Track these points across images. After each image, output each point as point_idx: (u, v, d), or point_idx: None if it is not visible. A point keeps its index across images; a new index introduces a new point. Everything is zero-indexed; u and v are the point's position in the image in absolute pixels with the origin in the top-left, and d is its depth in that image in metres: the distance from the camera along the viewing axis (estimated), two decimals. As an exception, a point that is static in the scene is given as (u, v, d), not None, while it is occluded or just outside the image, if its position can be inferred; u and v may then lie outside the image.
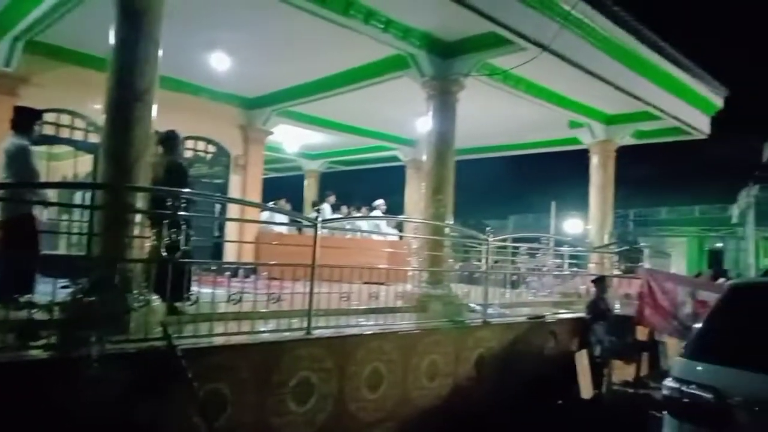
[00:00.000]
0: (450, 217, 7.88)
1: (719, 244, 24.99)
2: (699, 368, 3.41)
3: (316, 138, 14.10)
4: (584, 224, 14.38)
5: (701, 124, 11.20)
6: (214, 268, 5.81)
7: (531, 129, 12.34)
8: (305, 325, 4.97)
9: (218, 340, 4.43)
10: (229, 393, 4.26)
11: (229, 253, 10.34)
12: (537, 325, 7.58)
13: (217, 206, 10.86)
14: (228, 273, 5.36)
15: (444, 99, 7.83)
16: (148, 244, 4.54)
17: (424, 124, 8.14)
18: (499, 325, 7.00)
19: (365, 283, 5.90)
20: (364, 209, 12.80)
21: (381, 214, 12.55)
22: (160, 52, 4.79)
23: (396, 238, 11.96)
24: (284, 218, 11.22)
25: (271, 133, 12.08)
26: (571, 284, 10.14)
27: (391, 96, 9.92)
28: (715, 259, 24.10)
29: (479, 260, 7.52)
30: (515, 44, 6.92)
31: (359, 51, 8.09)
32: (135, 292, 4.33)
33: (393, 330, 5.68)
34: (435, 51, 7.66)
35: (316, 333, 5.02)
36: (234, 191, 11.57)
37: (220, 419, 4.17)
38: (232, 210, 10.63)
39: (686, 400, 3.34)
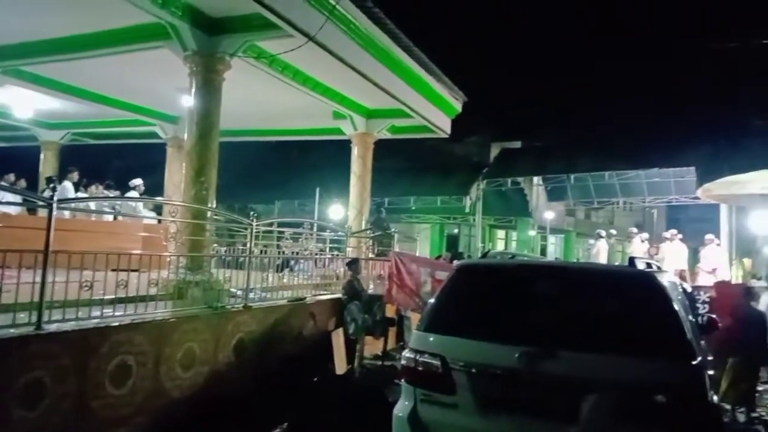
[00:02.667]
0: (213, 200, 7.63)
1: (456, 230, 28.79)
2: (431, 339, 3.89)
3: (55, 104, 12.28)
4: (345, 210, 15.18)
5: (444, 125, 12.69)
6: None
7: (297, 116, 12.54)
8: (35, 319, 4.36)
9: None
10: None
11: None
12: (297, 307, 7.81)
13: None
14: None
15: (209, 77, 7.51)
16: None
17: (187, 100, 7.71)
18: (260, 309, 7.03)
19: (114, 270, 5.40)
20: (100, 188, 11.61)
21: (138, 195, 11.55)
22: None
23: (154, 222, 11.13)
24: (15, 197, 9.55)
25: (-5, 94, 10.17)
26: (331, 267, 10.67)
27: (149, 67, 9.13)
28: (452, 243, 27.73)
29: (245, 245, 7.45)
30: (282, 30, 6.94)
31: (111, 13, 7.28)
32: None
33: (145, 320, 5.31)
34: (199, 25, 7.27)
35: (51, 327, 4.45)
36: (-60, 161, 9.46)
37: None
38: (-62, 184, 8.68)
39: (419, 368, 3.80)
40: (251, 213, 7.43)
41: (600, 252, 15.81)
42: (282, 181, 25.72)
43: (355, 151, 12.28)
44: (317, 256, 10.22)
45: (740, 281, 13.69)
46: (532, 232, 27.26)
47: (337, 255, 10.67)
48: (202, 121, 7.47)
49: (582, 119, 23.01)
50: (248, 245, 7.25)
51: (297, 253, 9.81)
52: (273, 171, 25.73)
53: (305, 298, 8.18)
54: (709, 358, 4.74)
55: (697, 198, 18.00)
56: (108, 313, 5.14)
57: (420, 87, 11.00)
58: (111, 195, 11.67)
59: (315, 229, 10.96)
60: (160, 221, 10.57)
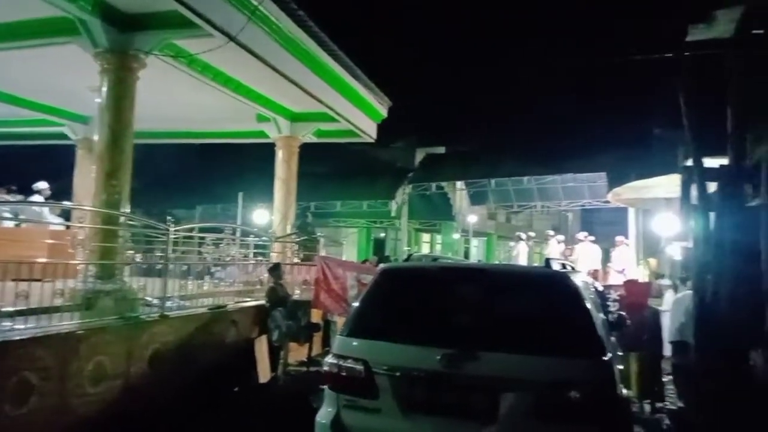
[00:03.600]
0: (126, 204, 7.25)
1: (382, 234, 28.97)
2: (354, 344, 3.86)
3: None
4: (270, 215, 14.91)
5: (370, 130, 12.73)
6: None
7: (219, 118, 12.18)
8: None
9: None
10: None
11: None
12: (218, 315, 7.56)
13: None
14: None
15: (121, 75, 7.13)
16: None
17: (99, 100, 7.29)
18: (178, 318, 6.74)
19: (15, 280, 5.01)
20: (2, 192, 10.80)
21: (43, 199, 10.78)
22: None
23: (61, 228, 10.43)
24: None
25: None
26: (255, 273, 10.41)
27: (58, 63, 8.55)
28: (379, 247, 27.89)
29: (164, 251, 7.13)
30: (201, 29, 6.70)
31: (13, 4, 6.78)
32: None
33: (48, 333, 4.95)
34: (111, 21, 6.88)
35: (-63, 345, 4.05)
36: None
37: None
38: None
39: (342, 373, 3.75)
40: (169, 218, 7.13)
41: (520, 253, 16.43)
42: (203, 186, 24.93)
43: (279, 155, 12.09)
44: (240, 262, 9.95)
45: (647, 280, 14.61)
46: (456, 236, 27.88)
47: (262, 261, 10.43)
48: (114, 122, 7.09)
49: (502, 126, 23.89)
50: (167, 252, 6.94)
51: (219, 259, 9.50)
52: (194, 175, 24.86)
53: (227, 305, 7.93)
54: (620, 353, 5.00)
55: (607, 202, 19.05)
56: (6, 326, 4.74)
57: (345, 91, 10.98)
58: (12, 200, 10.84)
59: (238, 234, 10.68)
60: (68, 227, 9.93)
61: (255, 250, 10.65)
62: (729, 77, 6.37)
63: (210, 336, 7.27)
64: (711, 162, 6.57)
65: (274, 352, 8.01)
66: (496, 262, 23.62)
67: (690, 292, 7.58)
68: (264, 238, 10.81)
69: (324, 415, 3.77)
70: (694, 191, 6.59)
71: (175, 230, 7.06)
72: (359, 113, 11.95)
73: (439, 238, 29.38)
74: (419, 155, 25.58)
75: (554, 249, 15.84)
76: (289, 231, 11.84)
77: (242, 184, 20.29)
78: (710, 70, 6.46)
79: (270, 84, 9.66)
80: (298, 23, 8.47)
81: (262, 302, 8.35)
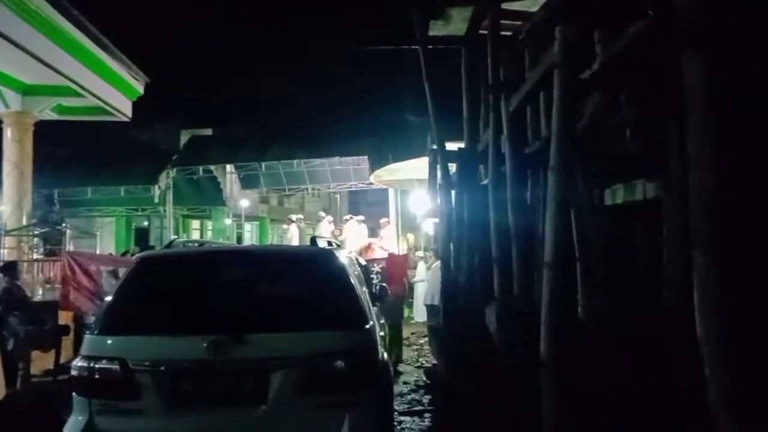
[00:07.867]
0: None
1: (146, 223, 26.67)
2: (108, 342, 3.50)
3: None
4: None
5: (124, 107, 11.59)
6: None
7: None
8: None
9: None
10: None
11: None
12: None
13: None
14: None
15: None
16: None
17: None
18: None
19: None
20: None
21: None
22: None
23: None
24: None
25: None
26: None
27: None
28: (142, 236, 25.62)
29: None
30: None
31: None
32: None
33: None
34: None
35: None
36: None
37: None
38: None
39: (95, 376, 3.36)
40: None
41: (293, 235, 16.72)
42: None
43: (8, 134, 10.37)
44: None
45: (406, 253, 16.11)
46: (228, 221, 27.10)
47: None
48: None
49: (269, 110, 23.92)
50: None
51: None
52: None
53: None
54: (382, 321, 5.42)
55: (371, 184, 20.36)
56: None
57: (91, 63, 9.80)
58: None
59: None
60: None
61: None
62: (464, 69, 7.30)
63: None
64: (452, 146, 7.48)
65: (12, 364, 6.88)
66: (269, 244, 23.64)
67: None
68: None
69: (73, 425, 3.35)
70: (439, 172, 7.44)
71: None
72: (110, 88, 10.79)
73: (209, 224, 28.23)
74: (184, 137, 24.15)
75: (325, 229, 16.44)
76: (25, 222, 10.22)
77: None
78: (449, 62, 7.32)
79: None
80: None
81: (-8, 308, 7.08)
